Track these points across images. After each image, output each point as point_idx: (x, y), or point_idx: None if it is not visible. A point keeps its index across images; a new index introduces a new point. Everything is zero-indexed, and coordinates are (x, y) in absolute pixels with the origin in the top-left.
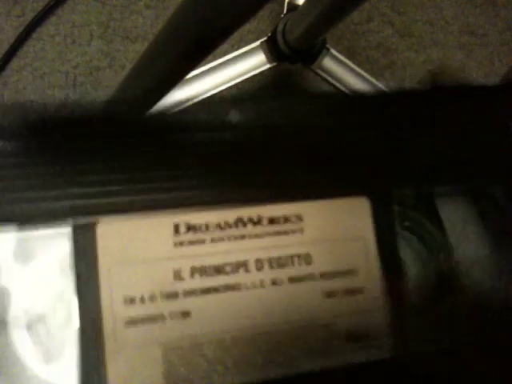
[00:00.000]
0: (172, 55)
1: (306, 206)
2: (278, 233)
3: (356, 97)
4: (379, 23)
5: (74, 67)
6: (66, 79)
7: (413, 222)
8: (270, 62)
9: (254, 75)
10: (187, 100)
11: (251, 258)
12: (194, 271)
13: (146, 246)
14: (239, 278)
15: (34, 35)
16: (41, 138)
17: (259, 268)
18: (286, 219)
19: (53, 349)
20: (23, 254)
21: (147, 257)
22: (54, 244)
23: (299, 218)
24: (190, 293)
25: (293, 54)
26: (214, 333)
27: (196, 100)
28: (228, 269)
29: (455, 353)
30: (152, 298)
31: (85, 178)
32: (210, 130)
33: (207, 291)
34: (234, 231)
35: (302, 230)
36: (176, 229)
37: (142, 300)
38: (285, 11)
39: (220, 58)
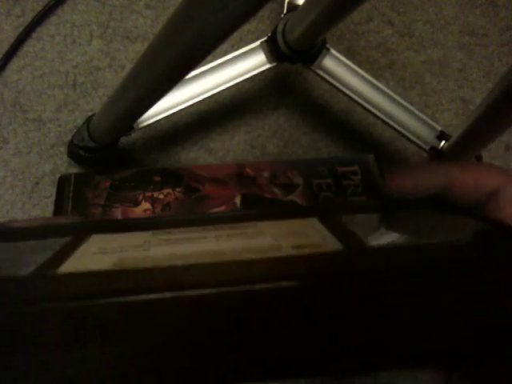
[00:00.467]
0: (171, 55)
1: None
2: None
3: None
4: (379, 23)
5: (73, 67)
6: (66, 79)
7: None
8: (270, 62)
9: (254, 75)
10: (187, 100)
11: None
12: None
13: None
14: None
15: (34, 35)
16: None
17: None
18: None
19: None
20: None
21: None
22: None
23: None
24: None
25: (293, 54)
26: None
27: (196, 100)
28: None
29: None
30: None
31: None
32: None
33: None
34: None
35: None
36: None
37: None
38: (285, 11)
39: (220, 57)
